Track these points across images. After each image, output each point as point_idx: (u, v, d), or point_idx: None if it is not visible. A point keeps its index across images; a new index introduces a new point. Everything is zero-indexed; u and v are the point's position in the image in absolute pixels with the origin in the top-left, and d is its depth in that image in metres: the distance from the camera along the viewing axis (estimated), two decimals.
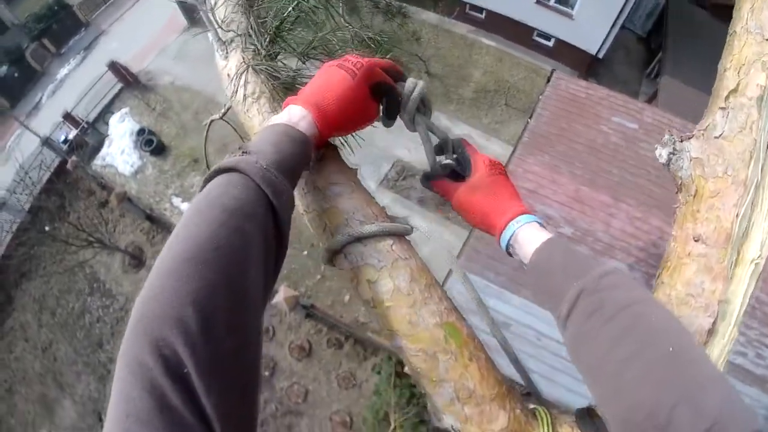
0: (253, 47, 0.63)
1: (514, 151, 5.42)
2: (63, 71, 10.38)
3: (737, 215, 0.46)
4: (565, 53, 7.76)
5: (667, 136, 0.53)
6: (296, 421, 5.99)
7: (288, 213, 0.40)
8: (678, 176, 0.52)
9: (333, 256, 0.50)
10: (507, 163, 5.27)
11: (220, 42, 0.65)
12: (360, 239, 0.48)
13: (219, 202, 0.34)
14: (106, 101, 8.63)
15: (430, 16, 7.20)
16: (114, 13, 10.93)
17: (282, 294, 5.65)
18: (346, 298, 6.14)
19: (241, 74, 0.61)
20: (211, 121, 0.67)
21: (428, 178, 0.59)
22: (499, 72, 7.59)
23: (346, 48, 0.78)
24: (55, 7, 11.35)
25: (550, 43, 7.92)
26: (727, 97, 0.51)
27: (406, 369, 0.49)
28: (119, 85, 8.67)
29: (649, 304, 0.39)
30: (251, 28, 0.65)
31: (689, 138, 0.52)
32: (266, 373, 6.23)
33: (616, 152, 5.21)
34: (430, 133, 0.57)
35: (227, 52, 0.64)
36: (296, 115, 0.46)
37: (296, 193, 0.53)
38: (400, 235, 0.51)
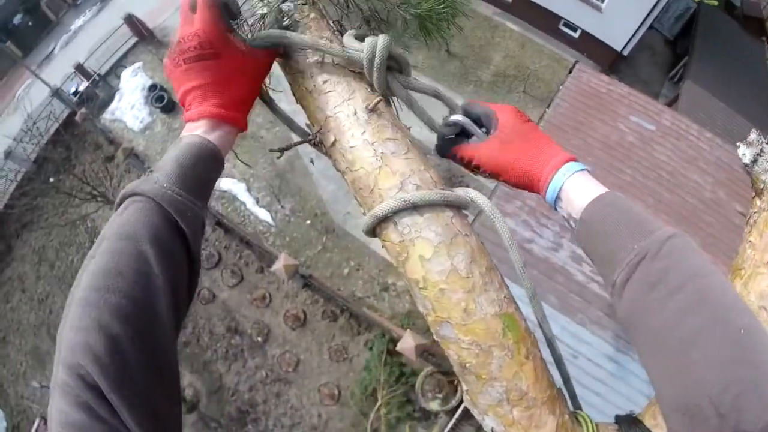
0: None
1: None
2: (78, 22, 10.25)
3: None
4: (590, 46, 7.61)
5: (754, 135, 0.50)
6: (285, 389, 6.04)
7: (195, 229, 0.40)
8: (760, 180, 0.48)
9: (379, 224, 0.43)
10: None
11: None
12: (417, 207, 0.42)
13: (122, 230, 0.37)
14: (119, 55, 8.52)
15: None
16: None
17: (282, 261, 5.63)
18: (345, 271, 6.13)
19: None
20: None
21: (444, 147, 0.51)
22: (521, 58, 7.45)
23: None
24: None
25: (576, 34, 7.76)
26: None
27: (452, 361, 0.44)
28: (134, 40, 8.55)
29: (717, 277, 0.35)
30: None
31: None
32: (259, 339, 6.26)
33: (630, 152, 5.14)
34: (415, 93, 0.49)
35: None
36: (194, 125, 0.45)
37: (338, 147, 0.47)
38: (461, 207, 0.44)
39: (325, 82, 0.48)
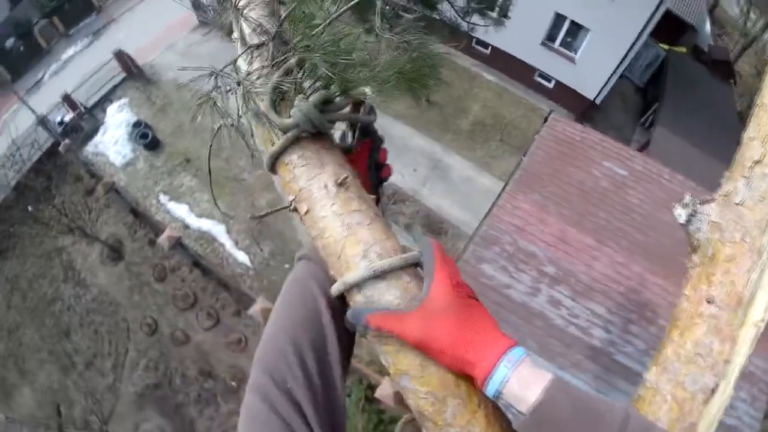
0: (277, 58, 0.57)
1: (505, 187, 5.49)
2: (69, 52, 10.35)
3: (748, 281, 0.47)
4: (564, 95, 7.96)
5: (688, 198, 0.54)
6: None
7: None
8: (695, 237, 0.52)
9: (349, 289, 0.48)
10: (497, 198, 5.33)
11: (244, 45, 0.59)
12: (379, 275, 0.46)
13: (301, 280, 0.52)
14: (107, 89, 8.59)
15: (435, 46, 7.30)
16: (127, 2, 10.98)
17: (259, 305, 5.58)
18: None
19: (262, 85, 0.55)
20: (221, 126, 0.62)
21: (357, 314, 0.46)
22: (498, 107, 7.75)
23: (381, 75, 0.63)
24: None
25: (551, 85, 8.13)
26: (751, 167, 0.52)
27: (412, 408, 0.47)
28: (122, 75, 8.64)
29: None
30: (278, 35, 0.58)
31: (710, 202, 0.53)
32: (233, 384, 6.10)
33: (604, 196, 5.28)
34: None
35: (252, 58, 0.58)
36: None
37: (311, 216, 0.53)
38: (417, 264, 0.49)
39: (299, 156, 0.54)
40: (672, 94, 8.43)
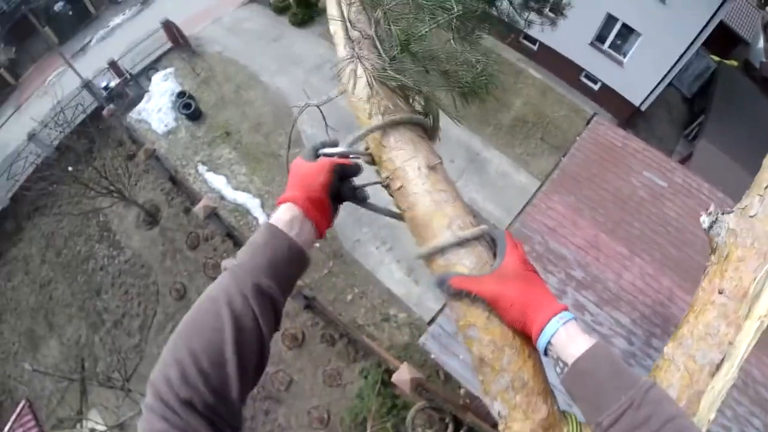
0: (378, 54, 0.68)
1: (541, 186, 5.42)
2: (116, 20, 10.62)
3: (755, 279, 0.58)
4: (609, 99, 7.76)
5: (712, 208, 0.65)
6: (274, 408, 6.00)
7: (266, 309, 0.49)
8: (714, 240, 0.63)
9: (435, 253, 0.58)
10: (532, 197, 5.27)
11: (347, 39, 0.70)
12: (462, 243, 0.56)
13: (216, 300, 0.47)
14: (152, 57, 8.78)
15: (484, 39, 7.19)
16: None
17: None
18: (349, 297, 6.15)
19: (369, 76, 0.66)
20: (307, 105, 0.71)
21: (442, 278, 0.56)
22: (541, 105, 7.61)
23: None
24: None
25: (596, 87, 7.93)
26: (766, 187, 0.65)
27: (473, 357, 0.56)
28: (168, 45, 8.82)
29: (686, 418, 0.45)
30: (377, 33, 0.69)
31: (729, 213, 0.64)
32: None
33: (640, 206, 5.17)
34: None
35: (354, 51, 0.69)
36: (286, 215, 0.57)
37: (403, 191, 0.62)
38: (490, 236, 0.60)
39: (397, 141, 0.64)
40: (719, 107, 8.12)
